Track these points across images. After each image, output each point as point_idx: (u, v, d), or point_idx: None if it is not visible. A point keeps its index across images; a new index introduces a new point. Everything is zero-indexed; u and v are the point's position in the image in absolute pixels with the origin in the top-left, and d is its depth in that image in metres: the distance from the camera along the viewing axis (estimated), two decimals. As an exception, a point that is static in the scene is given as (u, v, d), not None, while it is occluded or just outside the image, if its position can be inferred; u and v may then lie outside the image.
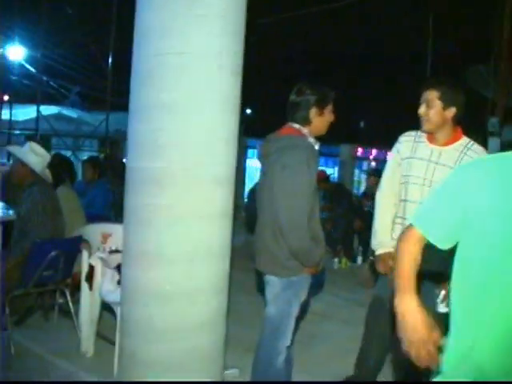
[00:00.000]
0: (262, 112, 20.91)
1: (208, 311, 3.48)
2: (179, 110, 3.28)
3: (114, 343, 4.47)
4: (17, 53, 15.08)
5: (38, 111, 13.32)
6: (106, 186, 6.81)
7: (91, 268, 4.57)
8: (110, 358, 4.38)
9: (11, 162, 5.55)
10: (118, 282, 4.28)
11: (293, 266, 3.39)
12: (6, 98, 16.28)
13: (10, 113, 13.89)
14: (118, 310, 4.19)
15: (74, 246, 4.77)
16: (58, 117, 15.26)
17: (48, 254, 4.51)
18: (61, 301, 5.26)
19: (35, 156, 4.74)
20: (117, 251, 4.76)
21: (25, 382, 4.09)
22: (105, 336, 4.73)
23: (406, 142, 3.69)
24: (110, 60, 12.49)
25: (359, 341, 4.13)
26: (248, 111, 21.94)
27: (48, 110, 15.19)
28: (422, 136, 3.63)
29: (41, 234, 4.55)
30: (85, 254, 4.67)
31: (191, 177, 3.31)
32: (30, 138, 14.84)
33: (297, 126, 3.41)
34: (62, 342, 4.79)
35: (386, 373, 4.23)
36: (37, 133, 13.65)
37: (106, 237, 5.13)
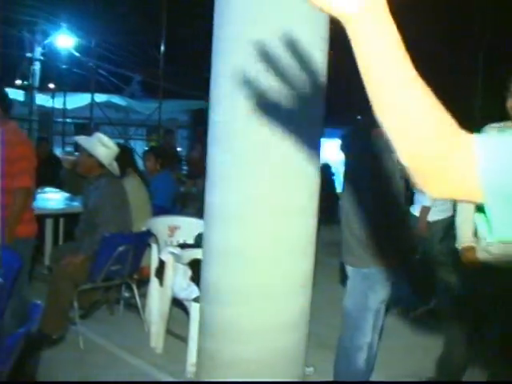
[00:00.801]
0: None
1: (292, 310, 3.32)
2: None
3: (184, 340, 4.39)
4: (66, 41, 15.12)
5: (93, 100, 13.35)
6: (169, 176, 6.67)
7: (161, 263, 4.47)
8: (180, 355, 4.31)
9: (78, 152, 5.47)
10: (191, 279, 4.17)
11: (361, 256, 3.30)
12: (51, 86, 16.41)
13: (64, 101, 13.93)
14: (191, 307, 4.09)
15: (143, 240, 4.67)
16: (107, 105, 15.25)
17: (117, 248, 4.42)
18: (126, 295, 5.19)
19: (103, 148, 4.63)
20: (186, 245, 4.66)
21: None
22: (174, 332, 4.64)
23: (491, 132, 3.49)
24: (162, 48, 12.42)
25: (436, 338, 3.98)
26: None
27: (97, 98, 15.21)
28: (508, 127, 3.42)
29: (110, 227, 4.44)
30: (154, 248, 4.57)
31: (276, 172, 3.15)
32: (81, 126, 14.93)
33: None
34: (129, 337, 4.71)
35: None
36: (90, 121, 13.68)
37: (173, 230, 5.03)
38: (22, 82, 15.85)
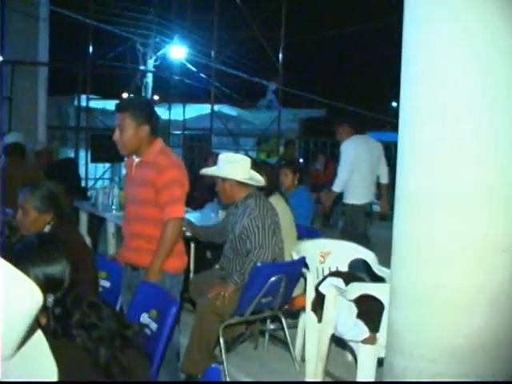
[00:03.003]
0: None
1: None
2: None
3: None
4: (179, 52, 14.99)
5: (213, 111, 13.10)
6: (307, 192, 6.10)
7: (317, 295, 3.91)
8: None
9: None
10: (357, 316, 3.59)
11: None
12: (156, 98, 16.37)
13: (183, 112, 13.76)
14: (359, 350, 3.51)
15: (297, 269, 4.12)
16: (218, 115, 14.98)
17: (269, 278, 3.90)
18: (271, 327, 4.67)
19: (231, 165, 4.08)
20: (339, 274, 4.09)
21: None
22: (334, 374, 4.08)
23: None
24: (280, 56, 11.96)
25: None
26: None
27: (204, 108, 15.00)
28: None
29: (264, 255, 3.93)
30: (310, 278, 4.02)
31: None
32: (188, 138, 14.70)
33: None
34: (279, 377, 4.19)
35: None
36: (210, 132, 13.42)
37: (324, 256, 4.48)
38: (135, 94, 15.91)
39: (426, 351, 2.62)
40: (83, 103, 12.02)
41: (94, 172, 12.87)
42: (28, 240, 2.05)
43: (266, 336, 4.65)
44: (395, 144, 2.91)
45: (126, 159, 3.73)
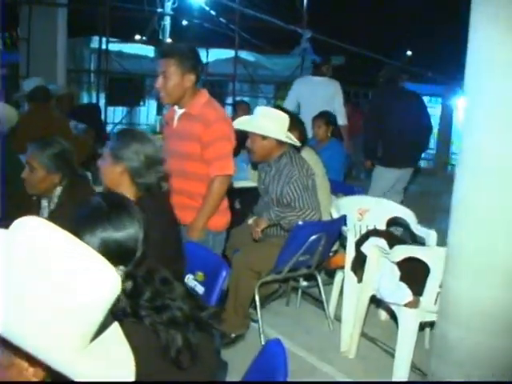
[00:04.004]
0: None
1: None
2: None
3: (383, 348, 3.82)
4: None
5: (237, 56, 12.71)
6: (340, 145, 5.88)
7: (357, 255, 3.81)
8: (379, 364, 3.74)
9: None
10: (400, 279, 3.49)
11: None
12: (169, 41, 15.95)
13: (207, 57, 13.39)
14: (400, 314, 3.43)
15: (337, 228, 4.01)
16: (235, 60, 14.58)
17: (309, 237, 3.79)
18: (304, 283, 4.59)
19: (273, 123, 3.90)
20: (379, 233, 3.98)
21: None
22: (370, 336, 4.02)
23: None
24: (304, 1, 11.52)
25: None
26: None
27: (223, 53, 14.62)
28: None
29: (310, 216, 3.79)
30: (350, 237, 3.90)
31: None
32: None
33: None
34: (313, 336, 4.15)
35: None
36: (233, 79, 13.07)
37: (362, 213, 4.37)
38: (152, 37, 15.55)
39: (485, 324, 2.51)
40: (100, 45, 11.72)
41: (112, 117, 12.64)
42: (93, 203, 1.81)
43: (299, 293, 4.58)
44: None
45: (165, 111, 3.56)
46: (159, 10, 15.13)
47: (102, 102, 11.20)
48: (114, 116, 13.10)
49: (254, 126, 3.89)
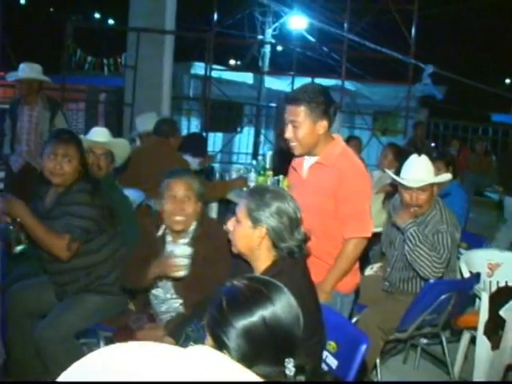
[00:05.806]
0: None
1: None
2: None
3: None
4: (299, 22, 14.41)
5: (343, 85, 12.41)
6: (461, 190, 5.23)
7: (493, 318, 3.47)
8: None
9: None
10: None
11: None
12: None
13: (292, 85, 13.28)
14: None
15: (469, 286, 3.69)
16: (334, 89, 14.37)
17: (439, 296, 3.48)
18: (425, 341, 4.26)
19: (427, 166, 3.74)
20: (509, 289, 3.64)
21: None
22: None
23: None
24: (413, 29, 11.13)
25: None
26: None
27: (325, 82, 14.45)
28: None
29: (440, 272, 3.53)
30: (484, 298, 3.57)
31: None
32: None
33: None
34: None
35: None
36: (340, 107, 12.90)
37: (492, 268, 4.04)
38: (251, 63, 15.66)
39: None
40: (201, 71, 11.77)
41: (211, 144, 12.67)
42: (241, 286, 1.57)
43: (418, 350, 4.25)
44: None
45: (294, 159, 3.26)
46: (260, 36, 15.21)
47: (197, 128, 11.24)
48: (214, 143, 13.17)
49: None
